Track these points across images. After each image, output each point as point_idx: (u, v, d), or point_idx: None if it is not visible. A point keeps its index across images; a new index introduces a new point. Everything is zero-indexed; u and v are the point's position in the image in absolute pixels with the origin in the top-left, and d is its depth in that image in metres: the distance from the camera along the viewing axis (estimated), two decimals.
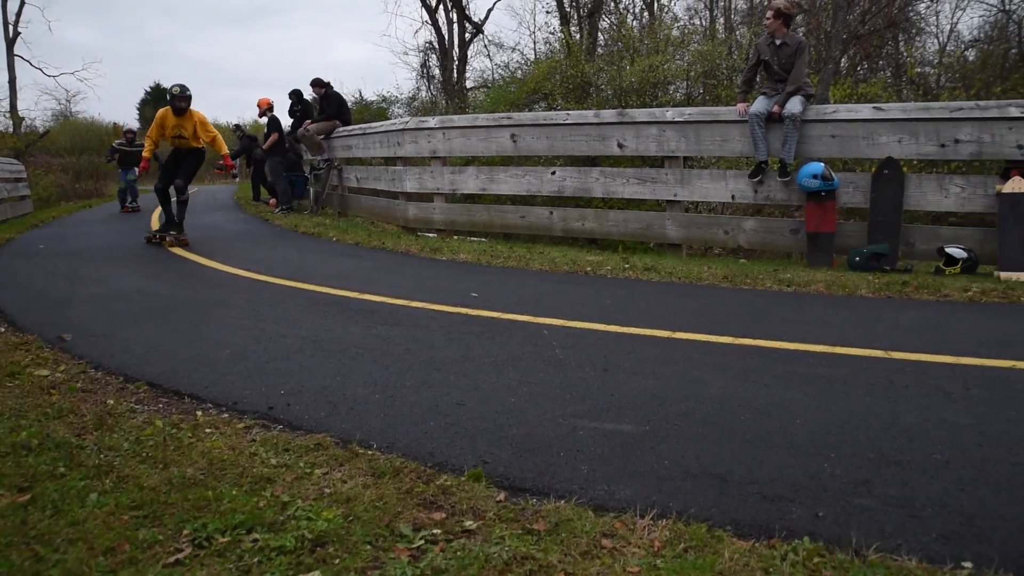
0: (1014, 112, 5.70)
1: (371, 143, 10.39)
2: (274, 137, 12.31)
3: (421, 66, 24.08)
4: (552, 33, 19.97)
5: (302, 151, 12.93)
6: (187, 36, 60.61)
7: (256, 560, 1.86)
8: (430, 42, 23.84)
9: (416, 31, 52.84)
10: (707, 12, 21.27)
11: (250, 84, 59.12)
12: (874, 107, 6.31)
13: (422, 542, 1.94)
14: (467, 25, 23.10)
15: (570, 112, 8.27)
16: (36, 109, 52.97)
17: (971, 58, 16.02)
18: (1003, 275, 5.44)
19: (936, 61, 16.56)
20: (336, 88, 12.08)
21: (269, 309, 4.82)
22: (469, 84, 22.61)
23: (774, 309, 4.64)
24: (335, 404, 3.02)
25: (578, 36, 14.41)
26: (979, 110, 5.83)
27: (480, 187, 8.54)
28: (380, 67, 59.07)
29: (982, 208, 5.93)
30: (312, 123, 11.83)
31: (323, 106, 11.94)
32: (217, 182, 23.50)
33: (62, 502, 2.16)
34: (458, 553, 1.88)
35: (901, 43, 17.91)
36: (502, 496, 2.21)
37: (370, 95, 23.16)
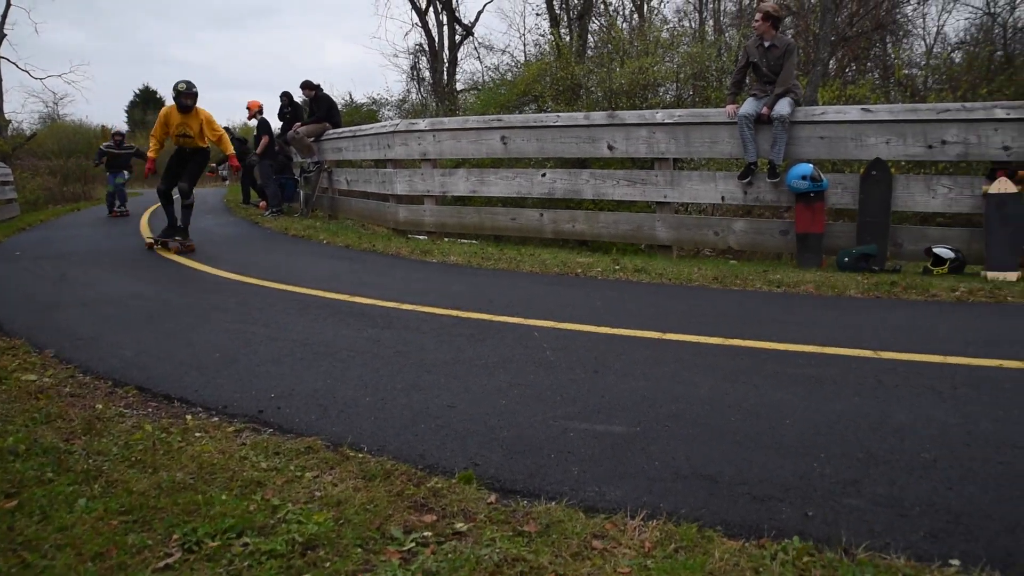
0: (1000, 114, 5.75)
1: (361, 145, 10.37)
2: (265, 140, 12.27)
3: (411, 68, 24.11)
4: (542, 35, 20.08)
5: (292, 154, 12.89)
6: (176, 38, 60.40)
7: (246, 564, 1.85)
8: (420, 44, 23.86)
9: (406, 33, 52.75)
10: (696, 14, 21.41)
11: (240, 86, 58.86)
12: (862, 108, 6.35)
13: (413, 544, 1.94)
14: (457, 27, 23.13)
15: (560, 114, 8.28)
16: (23, 112, 52.69)
17: (957, 60, 16.18)
18: (990, 275, 5.49)
19: (923, 63, 16.71)
20: (326, 90, 12.07)
21: (259, 312, 4.80)
22: (459, 86, 22.63)
23: (764, 310, 4.66)
24: (325, 407, 3.01)
25: (568, 38, 14.46)
26: (965, 111, 5.88)
27: (470, 189, 8.54)
28: (370, 69, 59.01)
29: (969, 209, 5.98)
30: (302, 126, 11.80)
31: (313, 108, 11.91)
32: (206, 185, 23.37)
33: (50, 508, 2.14)
34: (449, 555, 1.88)
35: (889, 45, 18.06)
36: (493, 498, 2.21)
37: (360, 97, 23.19)
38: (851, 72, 16.70)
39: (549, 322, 4.30)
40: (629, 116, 7.43)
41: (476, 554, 1.87)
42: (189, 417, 2.96)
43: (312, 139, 11.66)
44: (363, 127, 11.03)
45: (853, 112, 6.33)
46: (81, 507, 2.14)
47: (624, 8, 20.28)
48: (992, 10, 16.87)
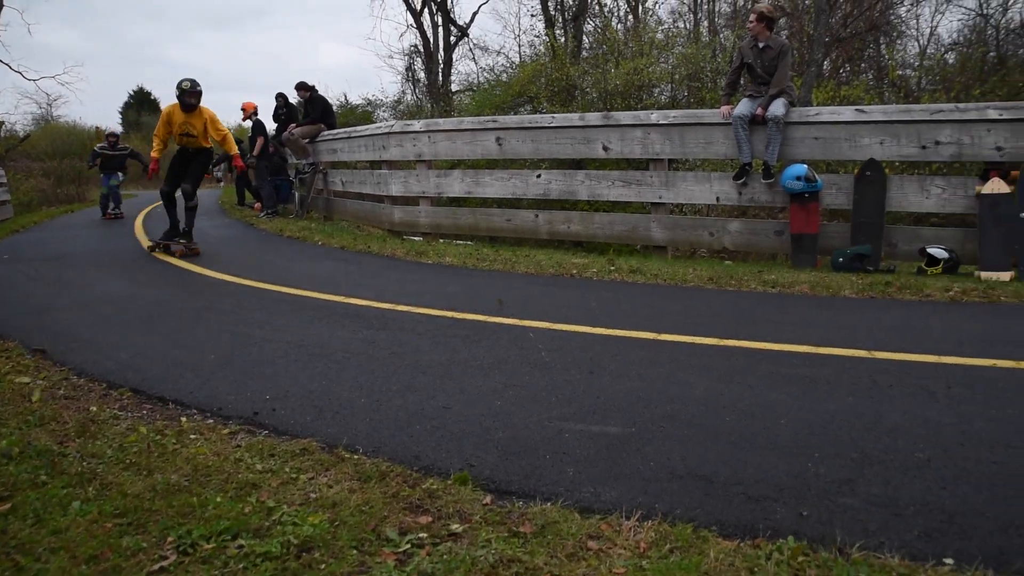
0: (992, 114, 5.78)
1: (356, 147, 10.36)
2: (260, 141, 12.24)
3: (406, 69, 24.05)
4: (537, 36, 20.06)
5: (287, 155, 12.88)
6: (171, 39, 60.24)
7: (241, 566, 1.85)
8: (415, 46, 23.82)
9: (401, 34, 52.69)
10: (691, 15, 21.45)
11: (234, 88, 58.77)
12: (856, 109, 6.37)
13: (408, 546, 1.94)
14: (452, 28, 23.11)
15: (555, 115, 8.28)
16: (16, 113, 52.34)
17: (951, 61, 16.24)
18: (983, 275, 5.51)
19: (917, 64, 16.79)
20: (321, 92, 12.06)
21: (254, 314, 4.79)
22: (454, 87, 22.60)
23: (759, 310, 4.67)
24: (321, 409, 3.01)
25: (563, 39, 14.47)
26: (959, 112, 5.90)
27: (466, 190, 8.54)
28: (365, 70, 59.06)
29: (962, 209, 6.01)
30: (297, 127, 11.78)
31: (308, 110, 11.89)
32: (201, 186, 23.31)
33: (44, 510, 2.14)
34: (444, 557, 1.88)
35: (883, 46, 18.15)
36: (488, 499, 2.21)
37: (355, 99, 23.04)
38: (845, 73, 16.77)
39: (544, 323, 4.30)
40: (624, 117, 7.44)
41: (472, 555, 1.87)
42: (184, 419, 2.95)
43: (307, 140, 11.64)
44: (358, 128, 11.02)
45: (847, 113, 6.36)
46: (75, 510, 2.13)
47: (619, 9, 20.34)
48: (985, 11, 16.96)
